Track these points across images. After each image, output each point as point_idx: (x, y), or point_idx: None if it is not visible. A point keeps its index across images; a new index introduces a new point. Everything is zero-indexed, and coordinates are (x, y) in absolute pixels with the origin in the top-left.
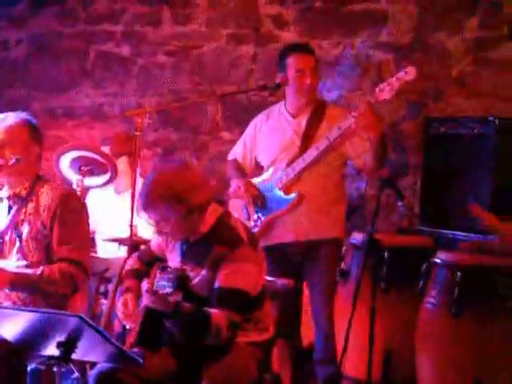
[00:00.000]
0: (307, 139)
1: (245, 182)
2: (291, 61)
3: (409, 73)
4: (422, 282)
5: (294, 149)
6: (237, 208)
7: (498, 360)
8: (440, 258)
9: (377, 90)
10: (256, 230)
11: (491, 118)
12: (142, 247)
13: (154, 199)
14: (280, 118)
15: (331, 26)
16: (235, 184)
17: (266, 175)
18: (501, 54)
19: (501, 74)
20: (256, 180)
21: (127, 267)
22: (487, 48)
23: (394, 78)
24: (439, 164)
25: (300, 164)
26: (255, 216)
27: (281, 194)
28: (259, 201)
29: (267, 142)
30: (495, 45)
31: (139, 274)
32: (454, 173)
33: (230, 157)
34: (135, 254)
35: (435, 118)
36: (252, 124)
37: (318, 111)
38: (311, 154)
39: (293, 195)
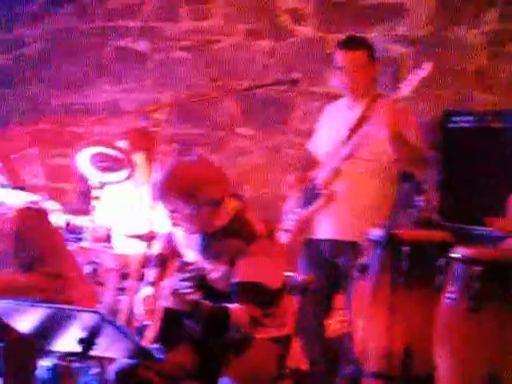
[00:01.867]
0: (352, 134)
1: (299, 175)
2: (335, 57)
3: (425, 68)
4: (440, 278)
5: (341, 144)
6: (294, 199)
7: None
8: (459, 252)
9: (399, 86)
10: (294, 223)
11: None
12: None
13: (166, 192)
14: (340, 110)
15: (348, 19)
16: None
17: (318, 170)
18: None
19: None
20: (313, 174)
21: (153, 251)
22: (507, 41)
23: (412, 75)
24: (459, 158)
25: (337, 160)
26: (299, 209)
27: (319, 190)
28: (309, 195)
29: (325, 134)
30: None
31: (162, 263)
32: (474, 167)
33: (308, 146)
34: (163, 236)
35: (454, 112)
36: (323, 114)
37: (371, 105)
38: (345, 150)
39: (324, 193)
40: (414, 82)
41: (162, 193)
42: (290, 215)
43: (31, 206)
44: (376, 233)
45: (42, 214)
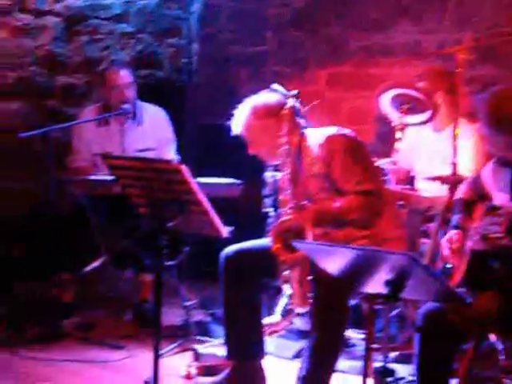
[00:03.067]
0: None
1: None
2: None
3: None
4: None
5: None
6: None
7: None
8: None
9: None
10: None
11: None
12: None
13: (493, 116)
14: None
15: None
16: None
17: None
18: None
19: None
20: None
21: (457, 195)
22: None
23: None
24: None
25: None
26: None
27: None
28: None
29: None
30: None
31: (467, 207)
32: None
33: None
34: (467, 181)
35: None
36: None
37: None
38: None
39: None
40: None
41: (489, 117)
42: None
43: (342, 132)
44: None
45: (354, 138)
